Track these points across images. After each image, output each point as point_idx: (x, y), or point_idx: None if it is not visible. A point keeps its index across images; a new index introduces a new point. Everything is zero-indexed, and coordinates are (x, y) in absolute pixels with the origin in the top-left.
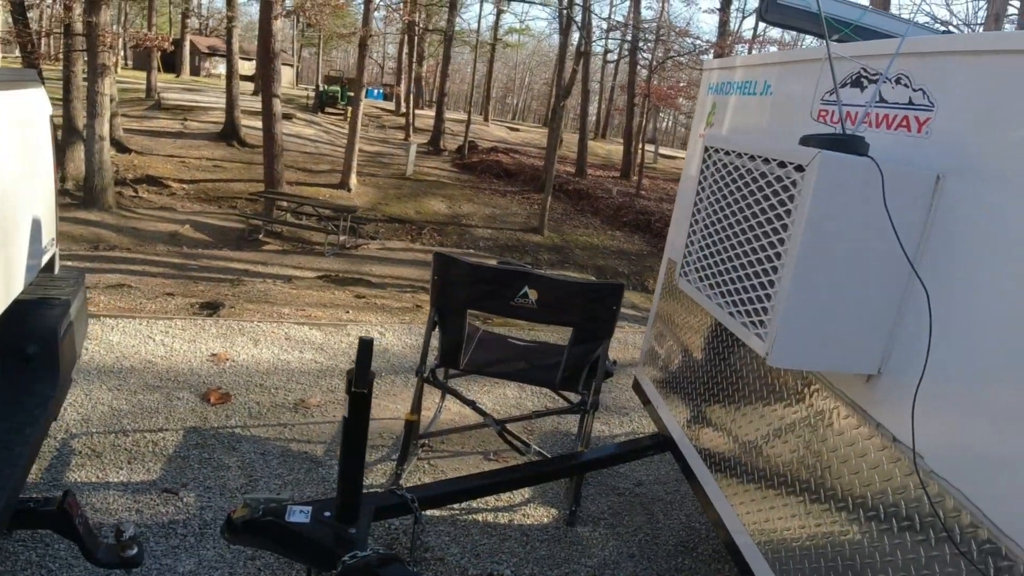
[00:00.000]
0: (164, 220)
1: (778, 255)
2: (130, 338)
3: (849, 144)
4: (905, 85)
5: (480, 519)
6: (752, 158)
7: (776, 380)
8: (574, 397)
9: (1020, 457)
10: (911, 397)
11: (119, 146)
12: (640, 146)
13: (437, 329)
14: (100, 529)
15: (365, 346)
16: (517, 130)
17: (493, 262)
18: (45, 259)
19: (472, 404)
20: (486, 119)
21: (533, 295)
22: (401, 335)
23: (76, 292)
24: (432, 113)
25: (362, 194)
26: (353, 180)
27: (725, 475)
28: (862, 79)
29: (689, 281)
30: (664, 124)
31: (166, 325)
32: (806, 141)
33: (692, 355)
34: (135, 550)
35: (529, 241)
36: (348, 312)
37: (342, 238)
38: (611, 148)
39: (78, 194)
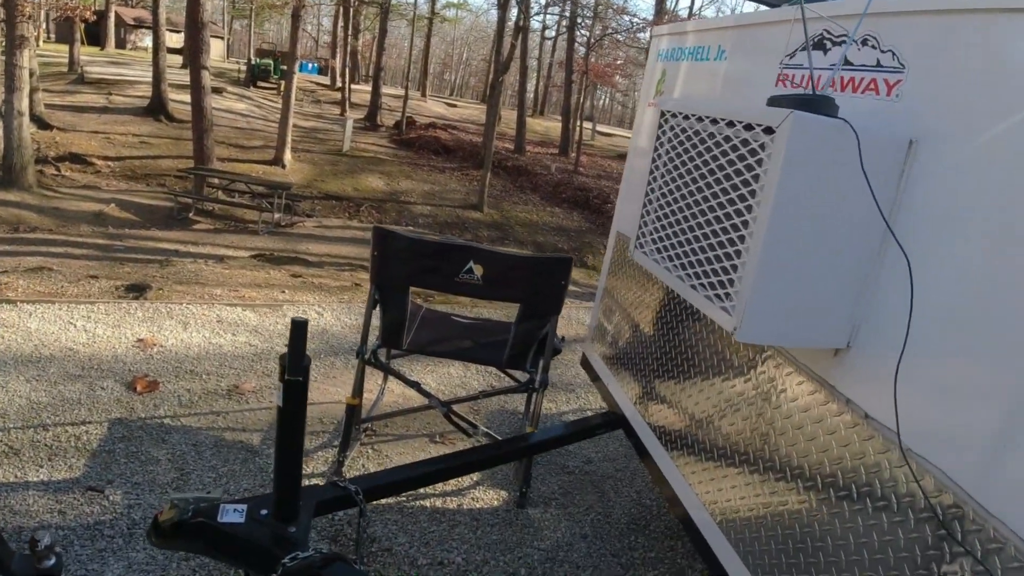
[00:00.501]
0: (88, 199)
1: (745, 224)
2: (49, 324)
3: (819, 105)
4: (872, 47)
5: (428, 505)
6: (715, 121)
7: (734, 353)
8: (521, 375)
9: (1006, 433)
10: (883, 371)
11: (40, 122)
12: (578, 123)
13: (378, 308)
14: (20, 533)
15: (299, 328)
16: (455, 106)
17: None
18: None
19: (416, 385)
20: (424, 95)
21: (479, 270)
22: (340, 314)
23: None
24: (368, 88)
25: (297, 171)
26: (287, 156)
27: (681, 452)
28: (825, 41)
29: (646, 253)
30: (601, 102)
31: (88, 310)
32: (775, 102)
33: (644, 330)
34: (53, 560)
35: (469, 218)
36: (284, 292)
37: (277, 216)
38: (549, 125)
39: None
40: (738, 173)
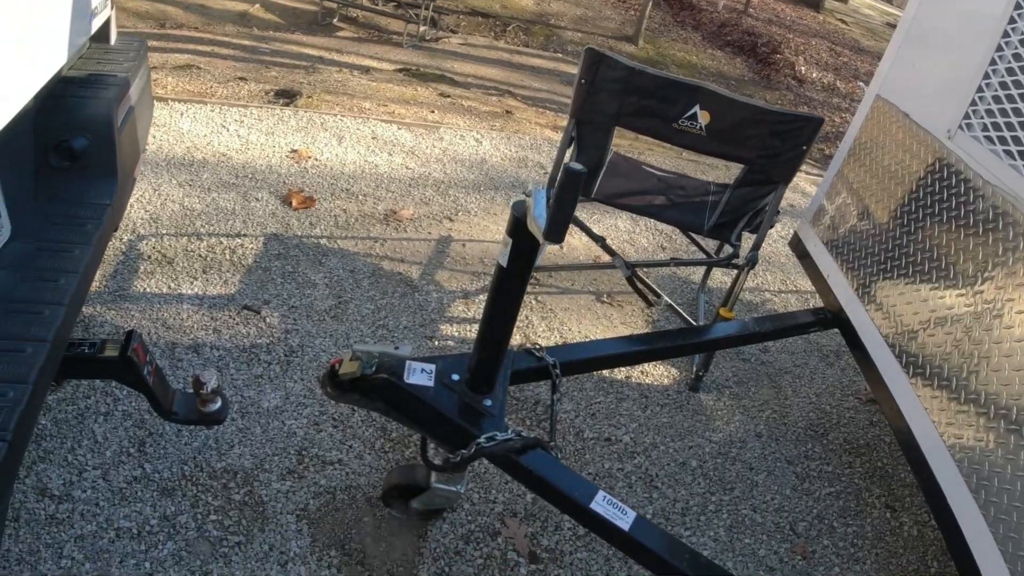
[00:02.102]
0: None
1: None
2: (201, 126)
3: None
4: None
5: (594, 372)
6: None
7: None
8: (702, 242)
9: None
10: None
11: None
12: None
13: (573, 146)
14: (172, 350)
15: (573, 180)
16: None
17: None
18: (96, 23)
19: (601, 241)
20: None
21: (704, 118)
22: (499, 144)
23: (138, 67)
24: None
25: None
26: None
27: (923, 374)
28: None
29: (978, 140)
30: None
31: (240, 113)
32: None
33: (905, 224)
34: (218, 404)
35: (622, 51)
36: (433, 112)
37: (422, 29)
38: None
39: None
40: None
